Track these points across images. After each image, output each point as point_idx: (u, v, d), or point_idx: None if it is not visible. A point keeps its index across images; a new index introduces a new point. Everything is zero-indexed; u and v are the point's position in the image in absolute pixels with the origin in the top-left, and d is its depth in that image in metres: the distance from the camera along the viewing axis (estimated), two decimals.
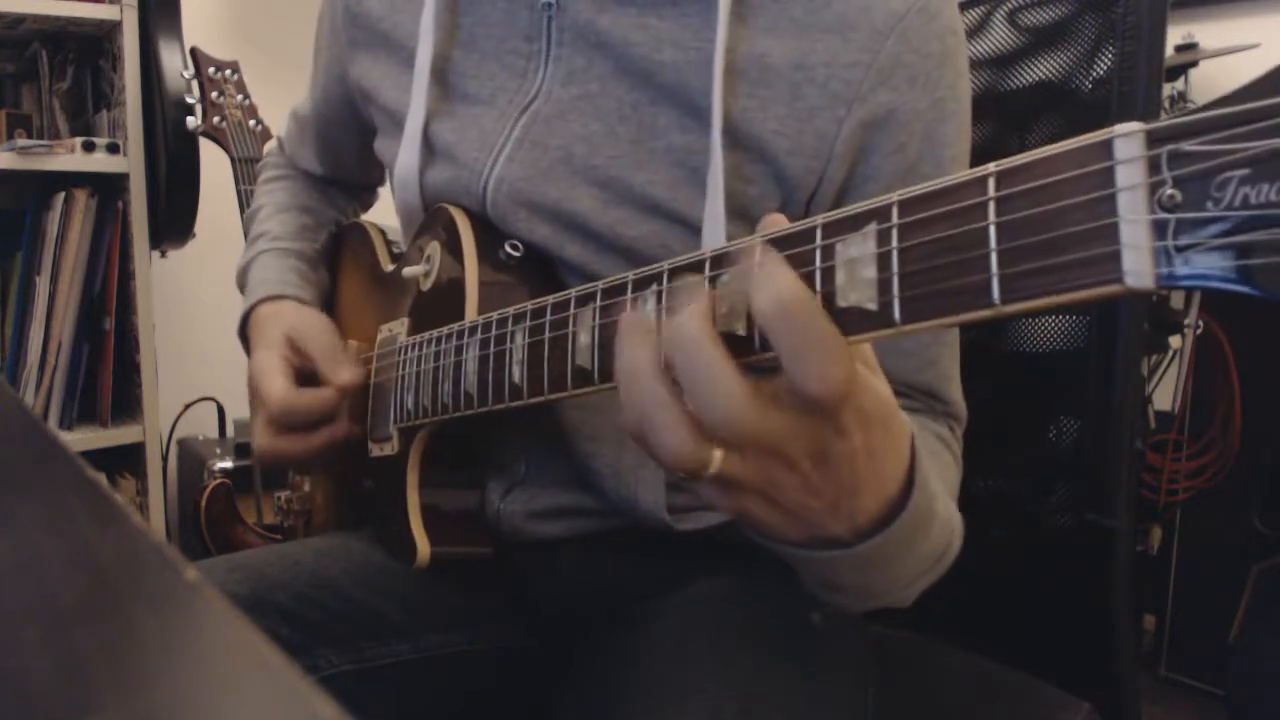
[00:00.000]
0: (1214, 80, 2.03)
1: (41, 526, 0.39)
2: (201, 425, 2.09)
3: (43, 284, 1.70)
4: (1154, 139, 0.30)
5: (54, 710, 0.25)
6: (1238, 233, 0.28)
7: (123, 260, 1.77)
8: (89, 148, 1.68)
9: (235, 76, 1.77)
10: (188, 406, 2.03)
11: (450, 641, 0.76)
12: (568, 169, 0.67)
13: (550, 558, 0.74)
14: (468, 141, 0.71)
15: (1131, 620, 0.84)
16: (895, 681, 0.73)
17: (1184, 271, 0.30)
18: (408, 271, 0.75)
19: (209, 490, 1.73)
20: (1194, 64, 1.97)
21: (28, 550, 0.36)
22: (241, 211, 1.61)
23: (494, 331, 0.59)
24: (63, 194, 1.69)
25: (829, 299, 0.39)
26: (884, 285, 0.37)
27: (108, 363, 1.77)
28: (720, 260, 0.43)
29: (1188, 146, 0.30)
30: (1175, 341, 1.91)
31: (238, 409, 1.97)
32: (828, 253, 0.39)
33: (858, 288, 0.38)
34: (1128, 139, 0.31)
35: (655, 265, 0.47)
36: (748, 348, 0.41)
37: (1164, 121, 0.30)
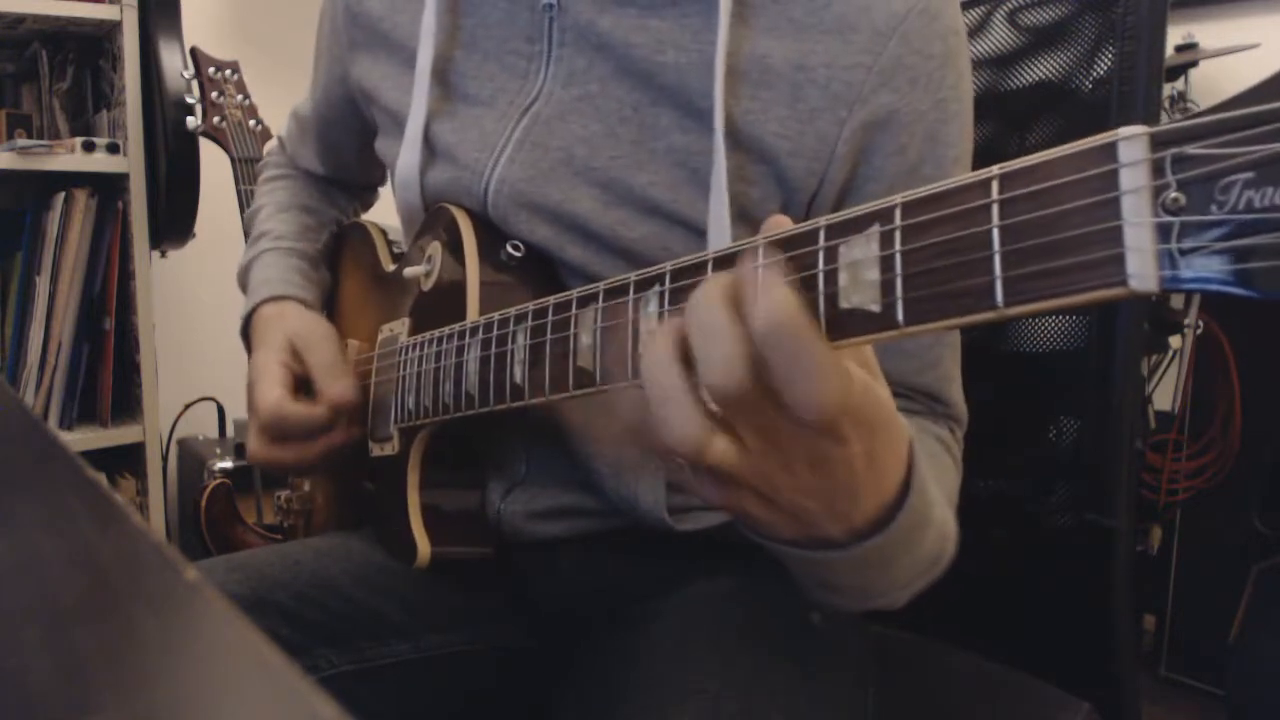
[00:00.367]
0: (1214, 80, 2.03)
1: (41, 526, 0.39)
2: (201, 425, 2.09)
3: (43, 284, 1.70)
4: (1158, 142, 0.30)
5: (54, 710, 0.25)
6: (1241, 236, 0.28)
7: (123, 260, 1.77)
8: (89, 148, 1.68)
9: (235, 76, 1.77)
10: (188, 406, 2.03)
11: (450, 641, 0.76)
12: (568, 170, 0.67)
13: (550, 558, 0.74)
14: (468, 142, 0.71)
15: (1131, 620, 0.84)
16: (895, 681, 0.73)
17: (1188, 274, 0.30)
18: (409, 271, 0.75)
19: (209, 490, 1.73)
20: (1194, 64, 1.97)
21: (28, 550, 0.36)
22: (241, 211, 1.61)
23: (495, 332, 0.59)
24: (63, 194, 1.69)
25: (831, 300, 0.39)
26: (887, 287, 0.37)
27: (108, 363, 1.77)
28: (723, 262, 0.43)
29: (1192, 150, 0.29)
30: (1175, 341, 1.92)
31: (238, 409, 1.96)
32: (831, 255, 0.39)
33: (861, 290, 0.38)
34: (1132, 142, 0.31)
35: (657, 266, 0.47)
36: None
37: (1168, 125, 0.30)
